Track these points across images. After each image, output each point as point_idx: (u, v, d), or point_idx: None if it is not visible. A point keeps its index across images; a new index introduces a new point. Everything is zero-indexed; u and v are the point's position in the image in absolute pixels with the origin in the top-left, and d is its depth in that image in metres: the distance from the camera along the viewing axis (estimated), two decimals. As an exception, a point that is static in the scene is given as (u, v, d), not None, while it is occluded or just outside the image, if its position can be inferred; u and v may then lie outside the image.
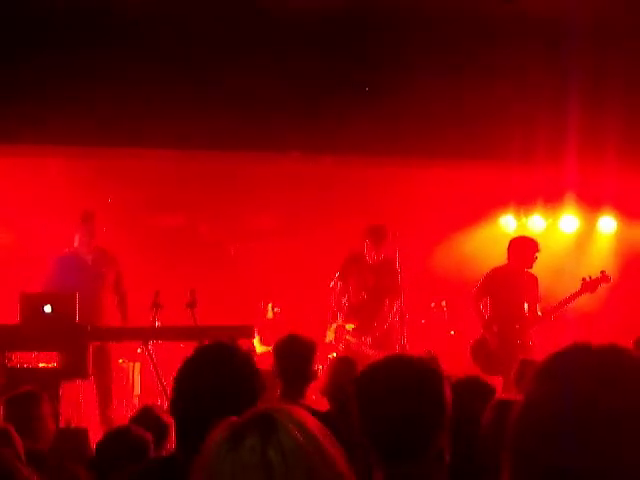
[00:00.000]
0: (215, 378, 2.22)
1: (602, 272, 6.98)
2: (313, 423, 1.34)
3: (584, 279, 6.91)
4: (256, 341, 6.98)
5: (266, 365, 4.05)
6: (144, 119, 6.80)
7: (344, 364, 4.63)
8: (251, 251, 9.04)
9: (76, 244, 6.84)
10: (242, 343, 6.61)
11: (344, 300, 7.23)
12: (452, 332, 8.50)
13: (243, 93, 6.87)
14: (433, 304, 8.49)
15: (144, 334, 6.06)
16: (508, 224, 9.22)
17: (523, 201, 9.11)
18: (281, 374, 4.00)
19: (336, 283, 7.30)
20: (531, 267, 7.06)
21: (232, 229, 9.03)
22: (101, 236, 6.90)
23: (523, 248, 7.05)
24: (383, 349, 6.55)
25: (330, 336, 7.31)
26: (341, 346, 7.06)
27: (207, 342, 2.53)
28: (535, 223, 9.17)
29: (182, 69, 6.78)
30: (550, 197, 8.88)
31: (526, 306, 7.02)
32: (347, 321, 7.12)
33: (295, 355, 3.99)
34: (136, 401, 7.25)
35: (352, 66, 7.03)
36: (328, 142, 7.36)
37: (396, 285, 7.08)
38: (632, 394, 1.14)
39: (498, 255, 7.39)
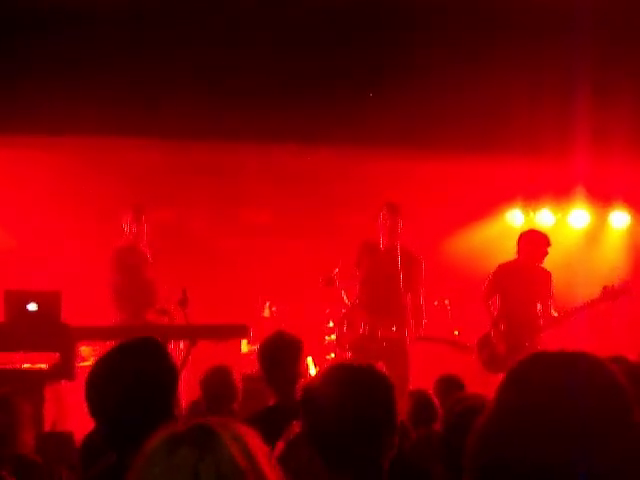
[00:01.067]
0: (128, 380, 2.20)
1: (626, 282, 6.82)
2: (256, 444, 1.33)
3: (606, 287, 6.77)
4: (244, 343, 6.97)
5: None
6: (131, 107, 6.77)
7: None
8: (247, 247, 9.01)
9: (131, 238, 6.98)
10: (230, 343, 6.68)
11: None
12: (456, 332, 8.48)
13: (237, 80, 6.85)
14: (436, 302, 8.47)
15: (133, 334, 6.03)
16: (515, 219, 9.22)
17: (531, 195, 9.11)
18: (267, 377, 3.96)
19: (349, 275, 7.21)
20: (542, 262, 7.03)
21: (227, 224, 8.99)
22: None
23: (534, 242, 7.00)
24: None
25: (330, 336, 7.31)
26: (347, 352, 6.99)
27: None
28: (544, 218, 9.16)
29: (171, 55, 6.75)
30: (559, 191, 8.88)
31: (539, 305, 6.99)
32: (360, 316, 7.01)
33: (280, 355, 3.93)
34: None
35: (355, 55, 7.01)
36: (326, 133, 7.34)
37: (419, 276, 6.95)
38: (582, 401, 1.23)
39: (505, 251, 7.37)
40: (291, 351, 4.00)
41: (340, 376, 2.11)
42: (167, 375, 2.28)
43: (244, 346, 7.36)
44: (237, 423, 1.38)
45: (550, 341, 6.85)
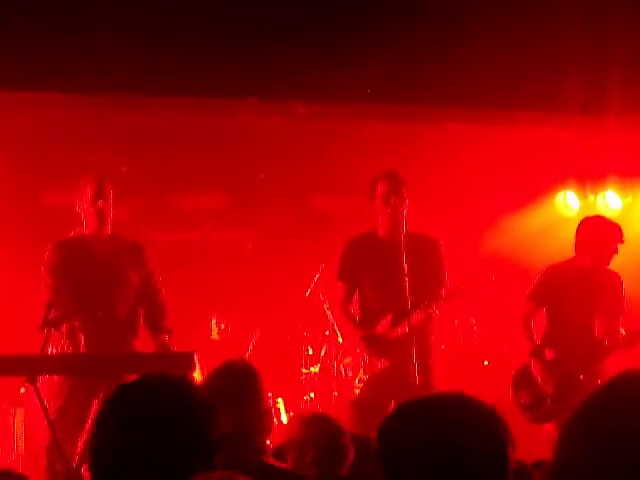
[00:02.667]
0: (148, 428, 2.39)
1: None
2: None
3: None
4: (197, 374, 6.92)
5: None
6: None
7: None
8: (186, 243, 9.04)
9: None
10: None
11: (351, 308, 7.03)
12: (486, 362, 8.51)
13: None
14: (457, 322, 8.50)
15: (31, 366, 5.91)
16: (569, 204, 9.31)
17: (589, 173, 9.24)
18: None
19: (335, 289, 7.09)
20: (607, 264, 6.92)
21: (155, 211, 9.01)
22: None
23: (601, 234, 6.89)
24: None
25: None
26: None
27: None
28: (607, 202, 9.26)
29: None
30: (627, 168, 9.00)
31: (597, 324, 6.92)
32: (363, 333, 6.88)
33: (230, 397, 3.87)
34: (20, 462, 7.23)
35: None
36: (298, 86, 7.40)
37: (441, 269, 6.86)
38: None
39: (554, 249, 7.43)
40: (244, 388, 3.92)
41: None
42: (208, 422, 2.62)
43: (197, 377, 7.30)
44: None
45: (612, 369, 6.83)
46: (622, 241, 6.86)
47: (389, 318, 6.60)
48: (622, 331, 6.98)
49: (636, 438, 1.24)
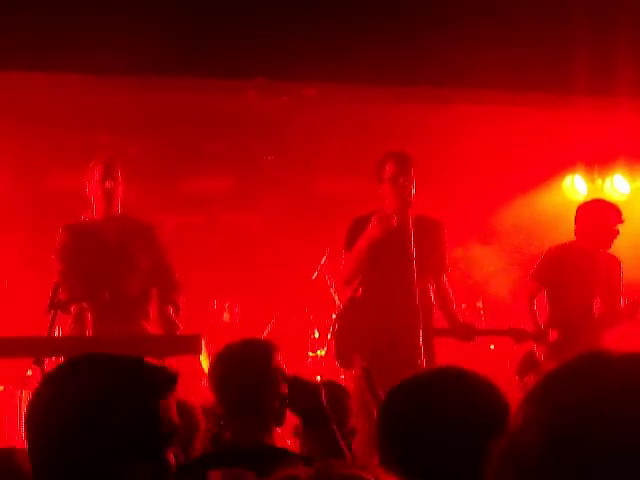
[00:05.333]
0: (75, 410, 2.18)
1: None
2: None
3: None
4: (203, 357, 6.91)
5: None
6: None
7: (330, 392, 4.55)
8: (194, 225, 9.07)
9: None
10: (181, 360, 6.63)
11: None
12: (492, 346, 8.52)
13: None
14: (464, 305, 8.49)
15: (38, 348, 5.94)
16: (576, 188, 9.32)
17: (597, 157, 9.24)
18: (226, 405, 3.85)
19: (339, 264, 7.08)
20: (609, 247, 6.97)
21: (163, 194, 9.03)
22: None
23: (598, 218, 6.94)
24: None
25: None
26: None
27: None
28: (615, 186, 9.26)
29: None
30: (636, 152, 9.01)
31: (598, 305, 6.94)
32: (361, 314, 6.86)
33: (242, 372, 3.81)
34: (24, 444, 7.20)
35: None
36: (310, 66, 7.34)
37: (443, 253, 6.85)
38: None
39: (560, 232, 7.42)
40: (260, 366, 3.86)
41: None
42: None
43: (204, 362, 7.29)
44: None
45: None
46: (621, 221, 6.91)
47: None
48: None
49: (590, 416, 1.25)
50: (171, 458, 2.16)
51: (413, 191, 6.65)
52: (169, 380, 2.22)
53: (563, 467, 1.21)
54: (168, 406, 2.19)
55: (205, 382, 4.02)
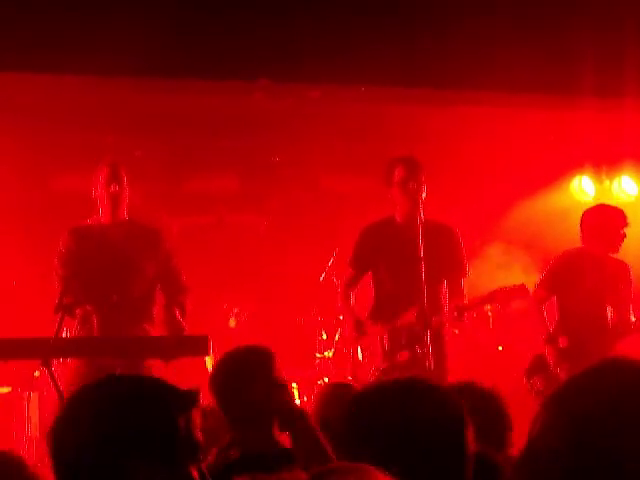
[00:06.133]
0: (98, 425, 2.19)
1: None
2: None
3: None
4: (209, 360, 6.92)
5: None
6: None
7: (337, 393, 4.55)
8: (200, 226, 9.05)
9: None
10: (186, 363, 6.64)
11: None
12: (500, 348, 8.49)
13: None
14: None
15: (45, 349, 5.93)
16: (584, 189, 9.28)
17: (605, 158, 9.21)
18: (227, 410, 3.88)
19: (344, 273, 7.08)
20: (617, 251, 6.97)
21: (169, 195, 9.01)
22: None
23: (605, 222, 6.96)
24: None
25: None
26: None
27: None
28: (623, 187, 9.23)
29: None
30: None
31: (609, 311, 6.92)
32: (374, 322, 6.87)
33: (242, 378, 3.85)
34: (33, 447, 7.22)
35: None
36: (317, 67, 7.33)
37: (461, 258, 6.87)
38: None
39: (570, 235, 7.35)
40: (258, 370, 3.89)
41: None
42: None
43: (209, 363, 7.30)
44: None
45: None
46: (627, 224, 6.91)
47: (414, 311, 6.54)
48: (632, 318, 7.02)
49: (609, 423, 1.25)
50: (194, 474, 2.16)
51: (423, 195, 6.66)
52: (190, 398, 2.24)
53: (583, 473, 1.21)
54: (191, 424, 2.21)
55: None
